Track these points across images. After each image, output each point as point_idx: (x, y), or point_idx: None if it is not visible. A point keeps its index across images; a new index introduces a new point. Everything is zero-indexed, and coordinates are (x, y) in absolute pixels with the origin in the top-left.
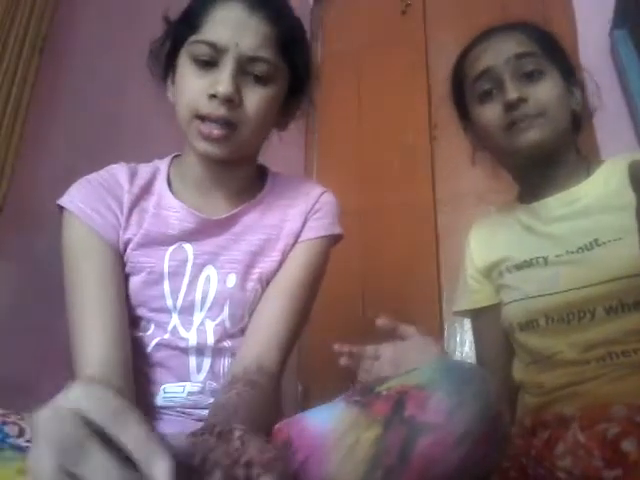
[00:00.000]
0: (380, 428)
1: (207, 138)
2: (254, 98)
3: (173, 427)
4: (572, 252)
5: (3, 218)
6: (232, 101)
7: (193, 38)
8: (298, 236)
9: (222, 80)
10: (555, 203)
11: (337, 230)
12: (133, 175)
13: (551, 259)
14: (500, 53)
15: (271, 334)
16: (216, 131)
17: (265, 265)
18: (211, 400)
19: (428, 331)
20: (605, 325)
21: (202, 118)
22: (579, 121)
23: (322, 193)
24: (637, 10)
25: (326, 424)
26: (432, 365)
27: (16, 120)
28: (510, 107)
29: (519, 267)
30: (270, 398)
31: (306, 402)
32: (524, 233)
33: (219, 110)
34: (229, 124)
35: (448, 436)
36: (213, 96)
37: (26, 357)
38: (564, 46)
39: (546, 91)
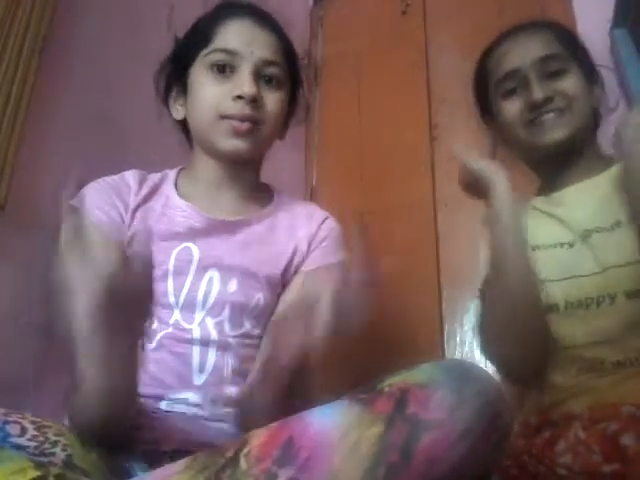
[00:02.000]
0: (382, 426)
1: (237, 133)
2: (272, 99)
3: (178, 432)
4: (594, 233)
5: (3, 217)
6: (256, 101)
7: (208, 49)
8: (304, 256)
9: (245, 82)
10: (575, 191)
11: (341, 257)
12: (142, 179)
13: (572, 242)
14: (526, 55)
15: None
16: (245, 126)
17: (269, 275)
18: (212, 412)
19: (428, 331)
20: (624, 311)
21: (229, 118)
22: (598, 118)
23: (325, 218)
24: (637, 10)
25: (328, 422)
26: (433, 363)
27: (16, 120)
28: (536, 106)
29: (536, 248)
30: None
31: None
32: (543, 217)
33: (245, 109)
34: (253, 122)
35: (450, 433)
36: (239, 97)
37: (26, 357)
38: (585, 45)
39: (570, 86)
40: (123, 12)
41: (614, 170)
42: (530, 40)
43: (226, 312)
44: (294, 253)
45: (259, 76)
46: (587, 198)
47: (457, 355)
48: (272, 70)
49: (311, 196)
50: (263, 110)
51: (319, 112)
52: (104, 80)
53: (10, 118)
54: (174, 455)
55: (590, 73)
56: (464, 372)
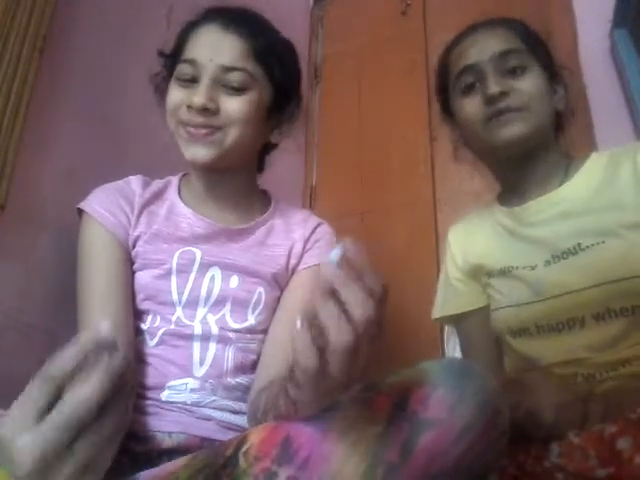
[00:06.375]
0: (382, 425)
1: (193, 137)
2: (231, 104)
3: (177, 425)
4: (557, 256)
5: (3, 217)
6: (207, 110)
7: (179, 60)
8: (300, 257)
9: (197, 92)
10: (537, 206)
11: None
12: (146, 184)
13: (536, 265)
14: (484, 49)
15: (286, 354)
16: (201, 132)
17: (268, 273)
18: (213, 398)
19: (428, 331)
20: (595, 333)
21: (184, 124)
22: (561, 120)
23: (319, 223)
24: (637, 10)
25: (328, 422)
26: (431, 362)
27: (16, 120)
28: (491, 101)
29: (503, 272)
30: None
31: None
32: (507, 236)
33: (197, 118)
34: (211, 127)
35: (449, 431)
36: (190, 107)
37: (27, 358)
38: (548, 45)
39: (529, 85)
40: (123, 12)
41: (578, 177)
42: (490, 36)
43: (228, 306)
44: (289, 254)
45: (220, 84)
46: (549, 218)
47: (457, 355)
48: (232, 76)
49: (311, 196)
50: (220, 117)
51: (319, 112)
52: (104, 80)
53: (10, 118)
54: (172, 454)
55: (551, 73)
56: (463, 370)
